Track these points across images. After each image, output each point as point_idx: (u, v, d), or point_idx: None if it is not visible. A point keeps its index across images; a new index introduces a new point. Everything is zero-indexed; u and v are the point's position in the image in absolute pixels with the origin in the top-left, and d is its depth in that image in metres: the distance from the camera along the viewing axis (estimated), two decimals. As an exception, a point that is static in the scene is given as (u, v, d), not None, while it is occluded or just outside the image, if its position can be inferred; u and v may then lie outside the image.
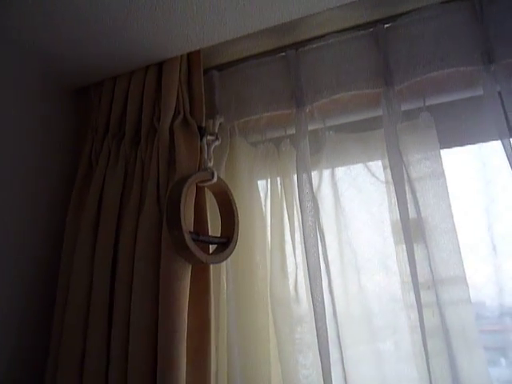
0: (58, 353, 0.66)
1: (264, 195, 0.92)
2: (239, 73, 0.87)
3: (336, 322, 0.75)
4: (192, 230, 0.68)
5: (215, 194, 0.78)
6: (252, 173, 0.91)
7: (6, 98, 0.76)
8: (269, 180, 0.91)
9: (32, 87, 0.82)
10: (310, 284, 0.73)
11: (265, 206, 0.91)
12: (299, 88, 0.82)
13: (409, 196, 0.74)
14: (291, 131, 0.90)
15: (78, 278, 0.69)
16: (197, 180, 0.71)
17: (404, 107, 0.80)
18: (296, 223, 0.86)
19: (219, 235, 0.75)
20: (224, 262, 0.76)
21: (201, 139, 0.75)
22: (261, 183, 0.93)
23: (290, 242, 0.85)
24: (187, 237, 0.64)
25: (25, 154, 0.78)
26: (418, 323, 0.70)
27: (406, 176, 0.75)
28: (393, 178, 0.75)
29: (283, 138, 0.90)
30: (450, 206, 0.75)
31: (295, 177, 0.87)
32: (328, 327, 0.72)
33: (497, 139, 0.71)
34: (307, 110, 0.82)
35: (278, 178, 0.90)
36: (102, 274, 0.68)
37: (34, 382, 0.69)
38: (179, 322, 0.61)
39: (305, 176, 0.80)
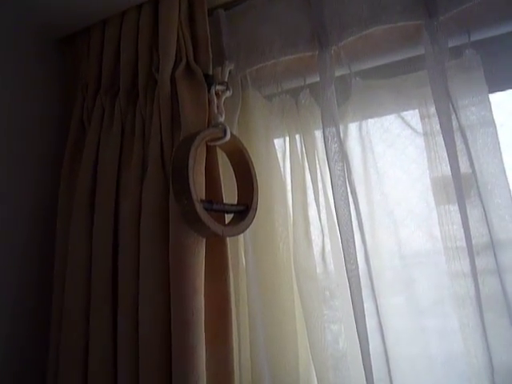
0: (58, 343, 0.58)
1: (282, 155, 0.82)
2: (250, 11, 0.74)
3: (373, 291, 0.66)
4: (204, 197, 0.58)
5: (229, 155, 0.67)
6: (268, 130, 0.80)
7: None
8: (287, 138, 0.81)
9: (6, 36, 0.70)
10: (344, 253, 0.64)
11: (283, 167, 0.81)
12: (322, 24, 0.69)
13: (459, 147, 0.63)
14: (311, 80, 0.78)
15: (75, 259, 0.60)
16: (206, 138, 0.61)
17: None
18: (320, 185, 0.76)
19: (235, 202, 0.66)
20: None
21: (209, 90, 0.63)
22: (278, 142, 0.83)
23: (314, 205, 0.76)
24: (198, 206, 0.54)
25: (4, 117, 0.68)
26: (468, 293, 0.61)
27: (455, 124, 0.63)
28: (441, 127, 0.64)
29: (302, 88, 0.79)
30: (501, 157, 0.65)
31: (316, 133, 0.78)
32: (364, 300, 0.63)
33: None
34: (332, 52, 0.70)
35: (298, 136, 0.80)
36: (102, 254, 0.59)
37: (34, 376, 0.63)
38: (195, 305, 0.53)
39: (332, 130, 0.69)
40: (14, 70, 0.71)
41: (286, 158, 0.81)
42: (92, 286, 0.58)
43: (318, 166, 0.77)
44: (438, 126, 0.68)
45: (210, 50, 0.65)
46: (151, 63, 0.66)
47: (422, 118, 0.73)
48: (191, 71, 0.64)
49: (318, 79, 0.73)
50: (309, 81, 0.79)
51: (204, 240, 0.58)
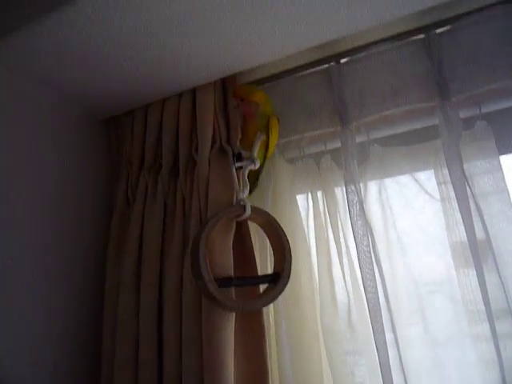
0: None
1: (305, 212, 0.86)
2: (276, 89, 0.81)
3: (398, 351, 0.69)
4: (232, 273, 0.63)
5: (261, 226, 0.72)
6: (292, 190, 0.85)
7: (35, 134, 0.73)
8: (309, 194, 0.85)
9: (62, 120, 0.78)
10: (370, 316, 0.68)
11: (307, 225, 0.85)
12: (343, 104, 0.75)
13: (473, 214, 0.67)
14: (332, 146, 0.84)
15: (123, 331, 0.65)
16: (227, 217, 0.65)
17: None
18: (342, 244, 0.80)
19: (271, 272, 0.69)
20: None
21: (238, 167, 0.69)
22: (300, 198, 0.87)
23: (338, 264, 0.80)
24: (212, 287, 0.59)
25: (59, 190, 0.75)
26: (490, 357, 0.64)
27: (469, 191, 0.68)
28: (456, 195, 0.68)
29: (323, 153, 0.84)
30: (515, 223, 0.68)
31: (336, 190, 0.82)
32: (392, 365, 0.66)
33: None
34: (353, 127, 0.76)
35: (319, 193, 0.84)
36: (148, 326, 0.63)
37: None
38: (223, 378, 0.56)
39: (353, 189, 0.74)
40: (64, 145, 0.78)
41: (309, 215, 0.86)
42: (139, 361, 0.63)
43: (339, 223, 0.80)
44: (453, 192, 0.72)
45: (239, 132, 0.71)
46: (191, 145, 0.72)
47: (439, 184, 0.77)
48: (223, 151, 0.70)
49: (338, 145, 0.79)
50: (329, 146, 0.84)
51: (232, 314, 0.62)
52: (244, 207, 0.66)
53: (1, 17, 0.59)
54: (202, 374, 0.59)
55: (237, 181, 0.68)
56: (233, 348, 0.59)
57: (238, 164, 0.71)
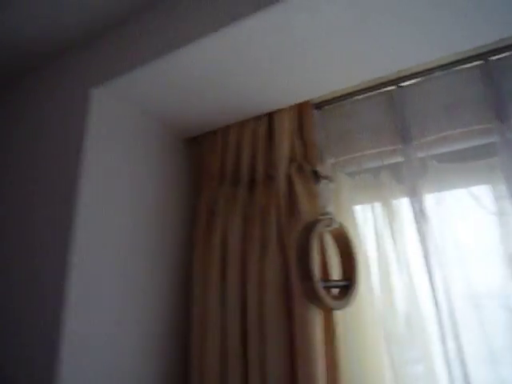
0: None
1: (363, 223, 0.91)
2: (339, 110, 0.88)
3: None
4: (320, 276, 0.71)
5: (333, 237, 0.79)
6: (351, 202, 0.91)
7: (128, 154, 0.84)
8: (368, 206, 0.91)
9: (151, 143, 0.89)
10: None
11: (363, 233, 0.90)
12: (404, 124, 0.82)
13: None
14: (389, 161, 0.89)
15: (211, 324, 0.74)
16: (323, 226, 0.73)
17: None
18: (400, 250, 0.85)
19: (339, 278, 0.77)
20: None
21: (316, 183, 0.77)
22: (359, 210, 0.92)
23: (397, 272, 0.85)
24: (318, 286, 0.66)
25: (147, 202, 0.85)
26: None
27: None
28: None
29: (381, 168, 0.90)
30: None
31: (394, 203, 0.87)
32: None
33: None
34: (414, 145, 0.82)
35: (378, 204, 0.89)
36: (234, 323, 0.73)
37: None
38: (319, 370, 0.64)
39: (416, 209, 0.80)
40: (152, 161, 0.88)
41: (367, 225, 0.91)
42: (228, 351, 0.72)
43: (397, 233, 0.86)
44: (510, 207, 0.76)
45: (317, 151, 0.80)
46: (267, 162, 0.82)
47: (496, 199, 0.81)
48: (302, 169, 0.80)
49: (396, 160, 0.85)
50: (386, 162, 0.90)
51: (320, 313, 0.70)
52: (331, 220, 0.75)
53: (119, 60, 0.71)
54: (286, 369, 0.67)
55: (321, 196, 0.77)
56: (322, 343, 0.67)
57: (325, 181, 0.79)
